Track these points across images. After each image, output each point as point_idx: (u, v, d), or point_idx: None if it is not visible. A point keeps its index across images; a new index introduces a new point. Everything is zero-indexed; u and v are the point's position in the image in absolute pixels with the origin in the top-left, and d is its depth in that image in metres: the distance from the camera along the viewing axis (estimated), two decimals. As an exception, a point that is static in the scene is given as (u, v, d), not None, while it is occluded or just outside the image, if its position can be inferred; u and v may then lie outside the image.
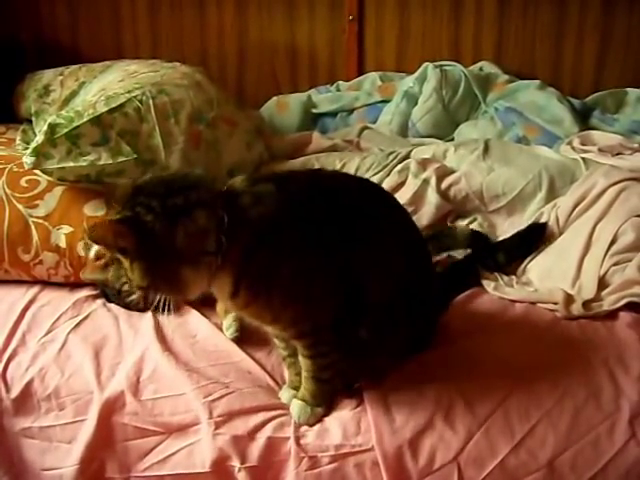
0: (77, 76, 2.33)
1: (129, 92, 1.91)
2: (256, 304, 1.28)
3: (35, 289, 1.75)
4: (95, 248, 1.70)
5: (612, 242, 1.73)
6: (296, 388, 1.44)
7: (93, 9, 2.76)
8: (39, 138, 1.73)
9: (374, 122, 2.52)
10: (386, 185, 1.97)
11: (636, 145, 2.17)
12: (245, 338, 1.56)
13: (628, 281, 1.65)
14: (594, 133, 2.29)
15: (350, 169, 2.07)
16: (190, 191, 1.22)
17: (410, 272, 1.42)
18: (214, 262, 1.22)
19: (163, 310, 1.63)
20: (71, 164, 1.72)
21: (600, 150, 2.12)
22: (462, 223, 1.97)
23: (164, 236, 1.18)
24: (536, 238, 1.84)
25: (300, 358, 1.38)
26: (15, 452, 1.51)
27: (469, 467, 1.32)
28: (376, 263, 1.35)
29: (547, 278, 1.76)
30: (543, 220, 1.89)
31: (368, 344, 1.39)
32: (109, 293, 1.71)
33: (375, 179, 1.98)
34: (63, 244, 1.72)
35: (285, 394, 1.45)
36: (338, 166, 2.09)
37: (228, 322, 1.59)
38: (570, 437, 1.33)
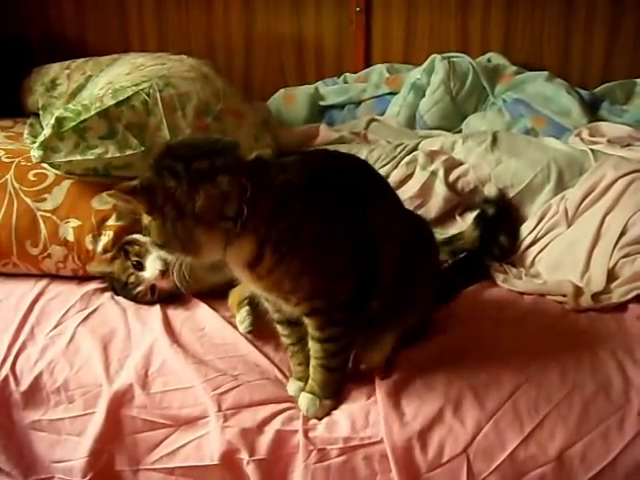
0: (84, 70, 2.33)
1: (136, 85, 1.90)
2: (277, 271, 1.27)
3: (43, 282, 1.75)
4: (103, 241, 1.72)
5: (621, 234, 1.73)
6: (301, 379, 1.44)
7: (100, 3, 2.77)
8: (46, 132, 1.73)
9: (381, 114, 2.52)
10: (394, 177, 1.98)
11: (645, 136, 2.16)
12: (253, 330, 1.56)
13: (637, 273, 1.65)
14: (603, 124, 2.27)
15: (358, 161, 2.06)
16: (217, 156, 1.24)
17: (413, 243, 1.44)
18: (232, 228, 1.23)
19: (169, 302, 1.66)
20: (78, 157, 1.72)
21: (609, 141, 2.11)
22: (470, 215, 1.96)
23: (184, 200, 1.21)
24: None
25: (310, 343, 1.38)
26: (25, 445, 1.52)
27: (478, 460, 1.32)
28: (388, 234, 1.37)
29: (556, 270, 1.76)
30: (551, 212, 1.88)
31: (379, 316, 1.40)
32: (116, 286, 1.70)
33: (383, 171, 1.97)
34: (71, 237, 1.72)
35: (292, 387, 1.45)
36: (346, 158, 2.09)
37: (242, 316, 1.57)
38: (579, 430, 1.33)
